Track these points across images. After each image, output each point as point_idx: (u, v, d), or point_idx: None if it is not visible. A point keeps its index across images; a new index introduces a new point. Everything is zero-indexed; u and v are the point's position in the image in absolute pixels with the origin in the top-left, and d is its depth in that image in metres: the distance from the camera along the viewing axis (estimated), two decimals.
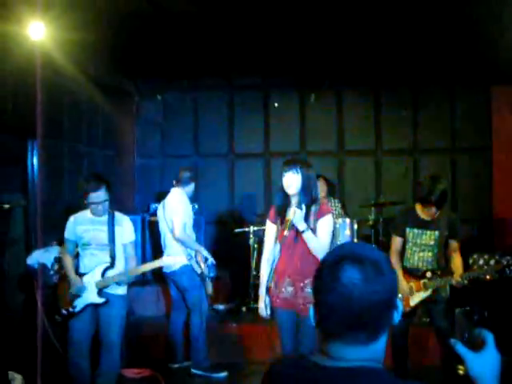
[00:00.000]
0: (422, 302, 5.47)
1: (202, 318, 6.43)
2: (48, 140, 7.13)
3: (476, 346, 1.76)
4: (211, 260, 6.45)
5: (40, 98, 6.13)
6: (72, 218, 5.47)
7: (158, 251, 7.32)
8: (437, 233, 5.44)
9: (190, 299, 6.50)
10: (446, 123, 9.36)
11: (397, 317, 1.68)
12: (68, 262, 5.48)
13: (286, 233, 4.51)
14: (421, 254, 5.49)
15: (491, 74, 8.72)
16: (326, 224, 4.63)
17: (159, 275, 6.88)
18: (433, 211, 5.34)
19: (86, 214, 5.43)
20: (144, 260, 8.06)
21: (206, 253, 6.42)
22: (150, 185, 9.67)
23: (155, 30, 7.07)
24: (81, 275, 5.40)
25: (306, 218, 4.56)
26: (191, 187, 6.66)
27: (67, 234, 5.48)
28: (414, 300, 5.44)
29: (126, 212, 8.14)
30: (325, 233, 4.61)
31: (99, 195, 5.23)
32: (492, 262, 5.41)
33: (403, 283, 5.46)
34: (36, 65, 5.95)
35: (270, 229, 4.87)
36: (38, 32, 5.80)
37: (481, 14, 6.63)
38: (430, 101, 9.39)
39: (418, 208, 5.49)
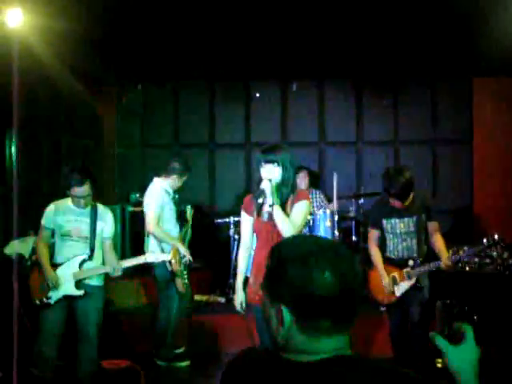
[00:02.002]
0: (407, 291, 5.46)
1: (169, 313, 6.39)
2: (26, 129, 7.06)
3: (456, 339, 1.75)
4: (188, 258, 6.33)
5: (18, 87, 6.04)
6: (52, 207, 5.35)
7: (137, 242, 7.28)
8: (414, 218, 5.43)
9: (160, 294, 6.48)
10: (427, 114, 9.39)
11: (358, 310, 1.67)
12: (43, 251, 5.35)
13: (265, 213, 4.40)
14: (404, 244, 5.48)
15: (473, 65, 8.75)
16: (300, 207, 4.45)
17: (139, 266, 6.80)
18: (397, 203, 5.34)
19: (67, 202, 5.32)
20: (123, 250, 8.03)
21: (183, 249, 6.29)
22: (130, 175, 9.60)
23: (136, 18, 7.00)
24: (57, 265, 5.32)
25: (284, 207, 4.40)
26: (174, 179, 6.50)
27: (45, 222, 5.36)
28: (400, 290, 5.44)
29: (106, 202, 8.13)
30: (298, 215, 4.42)
31: (84, 190, 5.15)
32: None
33: (385, 278, 5.46)
34: (13, 53, 5.87)
35: (245, 220, 4.68)
36: (15, 19, 5.72)
37: (463, 5, 6.63)
38: (411, 92, 9.42)
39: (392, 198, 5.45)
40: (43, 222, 5.38)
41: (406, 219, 5.44)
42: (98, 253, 5.41)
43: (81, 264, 5.29)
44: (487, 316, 5.96)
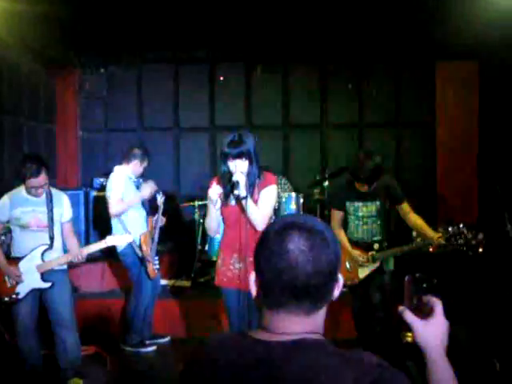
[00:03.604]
0: (370, 274, 5.50)
1: (138, 299, 6.37)
2: None
3: (424, 313, 1.76)
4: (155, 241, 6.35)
5: None
6: (7, 199, 5.21)
7: (102, 227, 7.23)
8: (377, 203, 5.46)
9: (132, 280, 6.45)
10: (390, 98, 9.44)
11: (337, 292, 1.65)
12: None
13: (232, 202, 4.47)
14: (365, 227, 5.52)
15: (436, 49, 8.81)
16: (268, 195, 4.51)
17: (106, 251, 6.72)
18: (365, 187, 5.36)
19: (21, 192, 5.21)
20: (87, 236, 7.96)
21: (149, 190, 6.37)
22: (93, 159, 9.49)
23: (98, 0, 6.90)
24: (17, 259, 5.23)
25: (251, 193, 4.44)
26: (136, 165, 6.46)
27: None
28: (364, 272, 5.48)
29: (69, 187, 8.06)
30: (266, 203, 4.49)
31: (40, 180, 5.06)
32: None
33: (354, 252, 5.48)
34: None
35: (213, 202, 4.52)
36: None
37: None
38: (375, 75, 9.44)
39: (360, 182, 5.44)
40: None
41: (368, 203, 5.47)
42: (58, 240, 5.34)
43: (42, 254, 5.22)
44: (452, 296, 6.04)
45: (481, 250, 5.29)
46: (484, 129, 9.02)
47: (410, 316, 1.75)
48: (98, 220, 7.93)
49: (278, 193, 7.86)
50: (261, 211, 4.43)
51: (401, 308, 1.77)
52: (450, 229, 5.12)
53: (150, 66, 9.54)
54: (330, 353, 1.55)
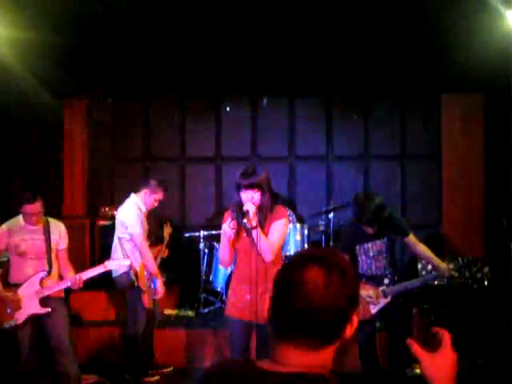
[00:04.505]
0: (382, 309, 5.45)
1: (135, 329, 6.30)
2: None
3: (433, 344, 1.74)
4: (161, 289, 6.28)
5: None
6: (5, 227, 5.31)
7: (106, 256, 7.21)
8: (385, 239, 5.47)
9: (128, 309, 6.41)
10: (396, 130, 9.46)
11: (350, 332, 1.63)
12: None
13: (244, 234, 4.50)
14: (377, 264, 5.48)
15: (441, 81, 8.83)
16: (279, 227, 4.55)
17: (106, 279, 6.69)
18: (369, 230, 5.38)
19: (19, 221, 5.30)
20: (92, 264, 7.92)
21: (159, 285, 6.27)
22: (99, 188, 9.50)
23: (106, 31, 6.96)
24: (16, 285, 5.26)
25: (263, 225, 4.49)
26: (147, 195, 6.34)
27: None
28: (376, 307, 5.42)
29: (75, 216, 8.07)
30: (277, 235, 4.53)
31: (35, 207, 5.13)
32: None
33: (364, 290, 5.42)
34: None
35: (226, 234, 4.57)
36: None
37: (431, 23, 6.71)
38: (380, 108, 9.47)
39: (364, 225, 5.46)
40: None
41: (377, 241, 5.46)
42: (55, 267, 5.41)
43: (41, 281, 5.26)
44: (457, 330, 6.00)
45: (486, 283, 5.27)
46: (490, 161, 9.00)
47: (417, 348, 1.73)
48: (103, 249, 7.92)
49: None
50: (270, 242, 4.46)
51: (409, 340, 1.76)
52: (459, 259, 5.13)
53: (156, 96, 9.58)
54: None
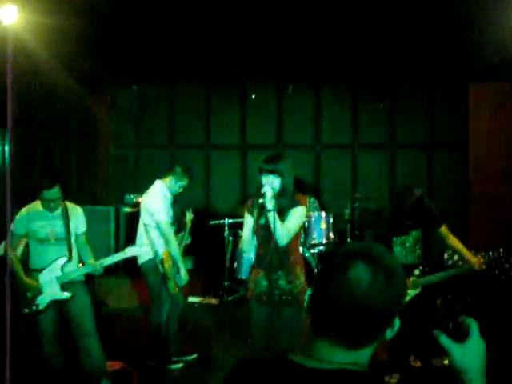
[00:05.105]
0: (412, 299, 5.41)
1: (159, 316, 6.31)
2: (20, 129, 6.98)
3: (460, 334, 1.69)
4: (184, 277, 6.26)
5: (12, 85, 5.97)
6: (24, 212, 5.26)
7: (132, 243, 7.22)
8: (420, 230, 5.45)
9: (151, 296, 6.40)
10: (423, 118, 9.36)
11: (390, 334, 1.59)
12: (16, 259, 5.27)
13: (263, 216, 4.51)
14: (413, 255, 5.45)
15: (469, 70, 8.72)
16: (296, 213, 4.56)
17: (131, 266, 6.70)
18: (408, 221, 5.37)
19: (37, 207, 5.25)
20: (117, 251, 7.94)
21: (182, 266, 6.26)
22: (124, 175, 9.52)
23: (132, 18, 6.94)
24: (37, 270, 5.25)
25: (281, 215, 4.49)
26: (171, 181, 6.38)
27: (17, 229, 5.25)
28: (405, 298, 5.37)
29: (99, 203, 8.09)
30: (293, 221, 4.54)
31: (52, 193, 5.09)
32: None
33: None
34: (8, 50, 5.79)
35: (247, 220, 4.77)
36: (10, 15, 5.64)
37: (459, 9, 6.60)
38: (407, 96, 9.38)
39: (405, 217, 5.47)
40: (14, 228, 5.26)
41: (413, 233, 5.46)
42: (75, 252, 5.39)
43: (62, 266, 5.27)
44: (483, 320, 5.92)
45: None
46: None
47: (445, 340, 1.68)
48: (128, 236, 7.93)
49: (308, 212, 7.83)
50: (285, 227, 4.47)
51: (436, 332, 1.71)
52: (490, 253, 5.07)
53: (181, 83, 9.56)
54: None
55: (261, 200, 4.38)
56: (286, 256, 4.51)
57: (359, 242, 1.62)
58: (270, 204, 4.34)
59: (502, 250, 5.11)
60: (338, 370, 1.51)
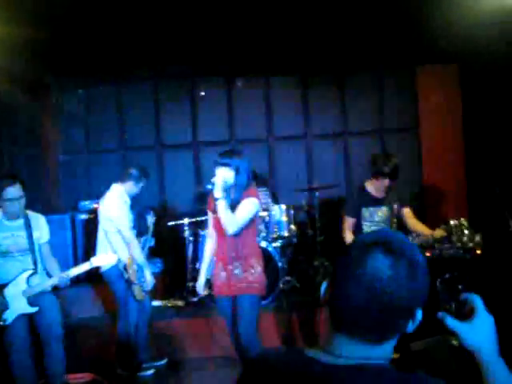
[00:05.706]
0: None
1: (127, 324, 6.20)
2: None
3: (465, 314, 1.64)
4: (150, 282, 6.18)
5: None
6: None
7: (90, 250, 7.06)
8: (389, 207, 5.77)
9: (118, 303, 6.28)
10: (373, 104, 9.37)
11: (411, 326, 1.51)
12: None
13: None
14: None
15: (417, 53, 8.77)
16: (246, 205, 4.73)
17: (92, 273, 6.53)
18: (386, 183, 5.63)
19: None
20: (75, 261, 7.77)
21: (148, 277, 6.20)
22: (76, 182, 9.29)
23: (75, 19, 6.77)
24: (2, 285, 5.09)
25: (234, 209, 4.68)
26: (131, 185, 6.28)
27: None
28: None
29: (53, 211, 7.88)
30: (242, 211, 4.70)
31: (16, 190, 5.00)
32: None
33: None
34: None
35: (211, 218, 4.98)
36: None
37: None
38: (356, 83, 9.38)
39: (370, 186, 5.80)
40: None
41: (383, 207, 5.77)
42: (40, 264, 5.30)
43: (28, 279, 5.12)
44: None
45: (479, 252, 5.29)
46: (469, 132, 8.97)
47: (452, 321, 1.62)
48: (86, 243, 7.77)
49: (269, 206, 7.80)
50: (232, 216, 4.64)
51: (440, 314, 1.65)
52: (451, 222, 5.22)
53: (129, 83, 9.38)
54: (394, 379, 1.42)
55: (209, 186, 4.60)
56: (240, 248, 4.74)
57: (376, 232, 1.51)
58: (218, 193, 4.55)
59: (462, 219, 5.24)
60: (358, 365, 1.44)
